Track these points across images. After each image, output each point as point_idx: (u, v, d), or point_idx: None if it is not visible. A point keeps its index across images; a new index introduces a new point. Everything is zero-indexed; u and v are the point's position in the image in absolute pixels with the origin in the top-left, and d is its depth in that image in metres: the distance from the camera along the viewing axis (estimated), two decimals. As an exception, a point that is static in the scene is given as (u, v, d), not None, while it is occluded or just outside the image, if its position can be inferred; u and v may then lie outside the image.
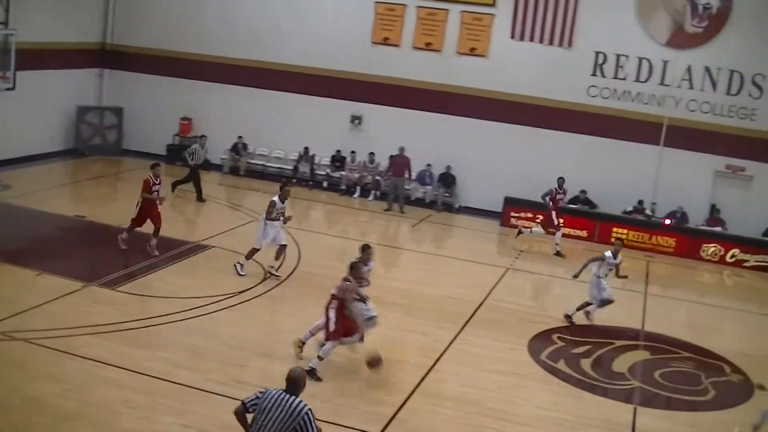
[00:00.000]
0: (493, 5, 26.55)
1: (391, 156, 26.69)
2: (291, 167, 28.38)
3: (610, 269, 17.01)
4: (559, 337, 16.03)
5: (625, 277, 17.41)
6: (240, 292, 16.37)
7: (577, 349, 15.57)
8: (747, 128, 24.66)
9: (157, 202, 18.08)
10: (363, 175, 27.69)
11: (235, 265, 17.55)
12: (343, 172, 27.94)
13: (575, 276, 17.31)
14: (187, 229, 22.14)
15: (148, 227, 18.10)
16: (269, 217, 17.31)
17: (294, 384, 8.05)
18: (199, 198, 24.22)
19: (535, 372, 14.40)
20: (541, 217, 23.89)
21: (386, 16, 27.58)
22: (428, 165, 27.19)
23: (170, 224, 19.18)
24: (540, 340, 15.82)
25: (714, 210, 25.14)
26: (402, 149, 26.36)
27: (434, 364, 14.07)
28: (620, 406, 13.35)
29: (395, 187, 26.40)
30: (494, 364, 14.48)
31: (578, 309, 16.97)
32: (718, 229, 24.83)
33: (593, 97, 25.74)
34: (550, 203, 23.09)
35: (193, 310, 15.17)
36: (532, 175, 25.57)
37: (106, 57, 29.78)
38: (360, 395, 12.57)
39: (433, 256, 22.42)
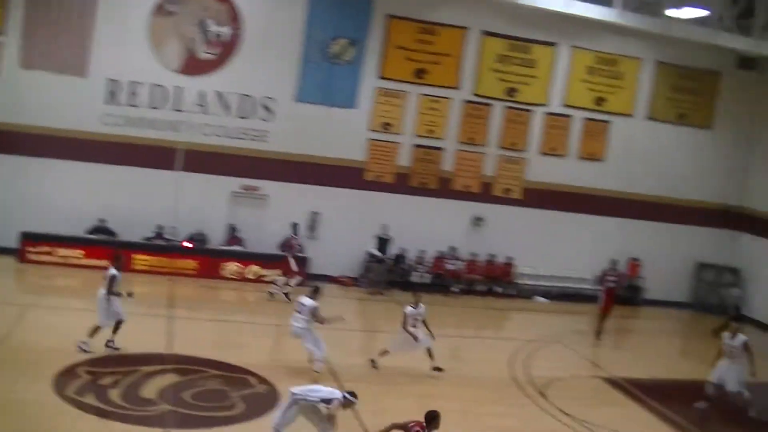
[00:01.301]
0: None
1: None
2: None
3: (416, 320, 17.59)
4: (85, 371, 15.43)
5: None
6: None
7: (104, 380, 15.06)
8: (259, 149, 26.02)
9: None
10: None
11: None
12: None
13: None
14: None
15: None
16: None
17: None
18: None
19: (65, 409, 13.57)
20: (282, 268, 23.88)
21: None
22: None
23: None
24: (65, 376, 15.01)
25: (233, 229, 26.09)
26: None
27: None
28: (153, 432, 13.19)
29: None
30: (14, 406, 13.39)
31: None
32: (237, 247, 25.82)
33: (107, 125, 25.23)
34: (289, 250, 23.29)
35: None
36: (50, 206, 24.44)
37: None
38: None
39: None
